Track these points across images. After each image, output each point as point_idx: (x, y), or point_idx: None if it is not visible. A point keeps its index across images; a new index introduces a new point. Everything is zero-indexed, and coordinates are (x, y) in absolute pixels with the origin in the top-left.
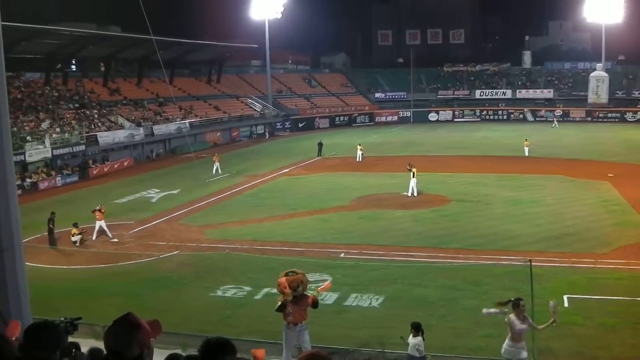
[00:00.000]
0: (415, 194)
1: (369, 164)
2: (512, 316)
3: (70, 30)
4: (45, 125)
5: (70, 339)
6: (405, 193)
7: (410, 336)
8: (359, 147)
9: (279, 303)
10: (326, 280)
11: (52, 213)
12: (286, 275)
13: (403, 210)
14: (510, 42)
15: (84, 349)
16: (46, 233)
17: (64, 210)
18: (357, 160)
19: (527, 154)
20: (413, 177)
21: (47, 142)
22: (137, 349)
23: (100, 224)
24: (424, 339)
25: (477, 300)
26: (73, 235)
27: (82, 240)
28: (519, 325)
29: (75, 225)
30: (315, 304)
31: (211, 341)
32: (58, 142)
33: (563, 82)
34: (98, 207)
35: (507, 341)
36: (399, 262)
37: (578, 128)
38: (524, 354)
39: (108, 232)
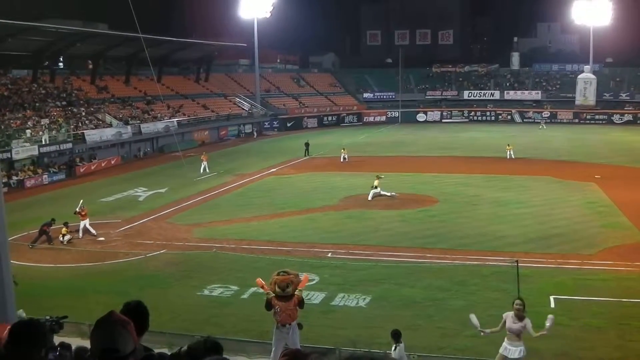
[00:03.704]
0: (370, 198)
1: (356, 164)
2: (508, 313)
3: (58, 27)
4: (43, 122)
5: (61, 340)
6: (393, 193)
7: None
8: (342, 151)
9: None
10: (313, 279)
11: (53, 220)
12: (278, 274)
13: (390, 210)
14: (498, 43)
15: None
16: (35, 231)
17: (50, 209)
18: (341, 160)
19: (509, 157)
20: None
21: (46, 137)
22: (133, 344)
23: (85, 223)
24: (396, 347)
25: (463, 300)
26: (63, 235)
27: (69, 240)
28: (509, 323)
29: (65, 224)
30: (300, 303)
31: (193, 343)
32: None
33: (551, 84)
34: (78, 210)
35: (505, 338)
36: (386, 262)
37: (565, 129)
38: (517, 354)
39: (92, 231)
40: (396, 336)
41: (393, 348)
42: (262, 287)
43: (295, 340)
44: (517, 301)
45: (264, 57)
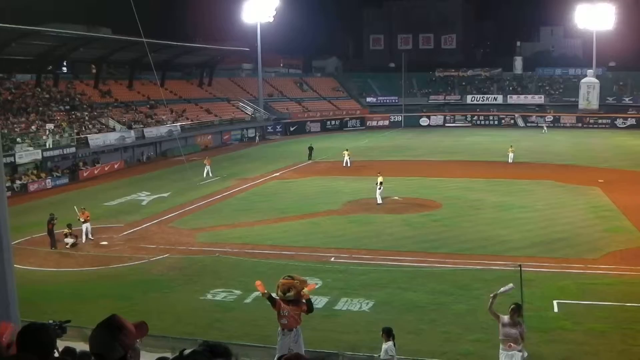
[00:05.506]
0: (380, 202)
1: (359, 168)
2: (504, 316)
3: (61, 32)
4: (47, 127)
5: (66, 344)
6: (396, 197)
7: (383, 341)
8: (345, 152)
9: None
10: (316, 284)
11: (51, 214)
12: (283, 278)
13: (393, 214)
14: (501, 47)
15: None
16: (43, 234)
17: (53, 212)
18: (344, 165)
19: (510, 160)
20: (378, 185)
21: (49, 141)
22: (121, 351)
23: (86, 225)
24: (394, 344)
25: (467, 305)
26: (66, 237)
27: (74, 243)
28: (507, 328)
29: (69, 226)
30: (309, 306)
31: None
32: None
33: (554, 88)
34: (80, 218)
35: (501, 345)
36: (389, 267)
37: (568, 134)
38: (518, 359)
39: (89, 235)
40: (385, 333)
41: (392, 344)
42: (259, 286)
43: (300, 346)
44: (513, 307)
45: (267, 61)
